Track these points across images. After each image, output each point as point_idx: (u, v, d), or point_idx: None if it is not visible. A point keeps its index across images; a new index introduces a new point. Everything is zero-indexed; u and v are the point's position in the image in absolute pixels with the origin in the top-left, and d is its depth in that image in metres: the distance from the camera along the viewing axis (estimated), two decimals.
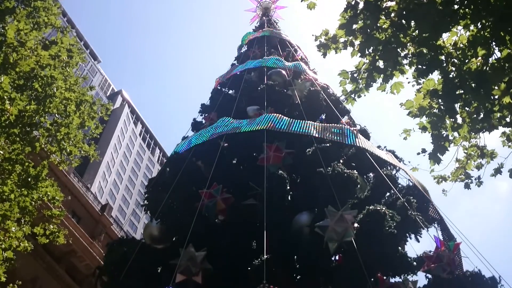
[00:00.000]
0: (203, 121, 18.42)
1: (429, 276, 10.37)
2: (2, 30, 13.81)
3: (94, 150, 15.91)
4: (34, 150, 14.26)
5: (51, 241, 16.27)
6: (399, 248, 10.48)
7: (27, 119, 13.71)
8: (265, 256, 8.54)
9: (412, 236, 10.03)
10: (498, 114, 7.81)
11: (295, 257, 12.01)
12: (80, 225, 28.03)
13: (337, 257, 11.76)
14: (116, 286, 9.15)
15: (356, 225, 9.66)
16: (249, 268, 9.20)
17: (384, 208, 9.73)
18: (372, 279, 9.03)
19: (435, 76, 7.98)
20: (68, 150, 15.19)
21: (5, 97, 12.47)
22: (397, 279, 10.80)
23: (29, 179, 13.80)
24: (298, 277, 11.47)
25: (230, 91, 19.87)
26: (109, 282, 10.46)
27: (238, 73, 20.04)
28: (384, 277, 9.72)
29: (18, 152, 13.73)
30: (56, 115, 15.20)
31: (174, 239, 12.68)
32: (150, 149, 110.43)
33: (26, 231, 15.45)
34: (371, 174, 13.47)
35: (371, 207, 9.73)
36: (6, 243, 13.25)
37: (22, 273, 21.20)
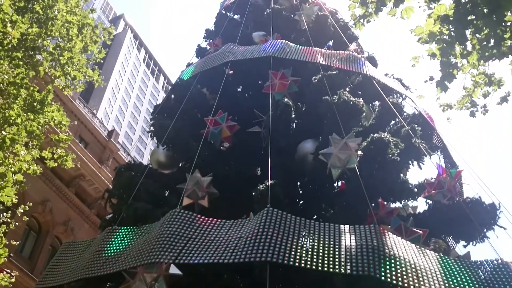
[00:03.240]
0: (208, 47, 18.11)
1: (430, 202, 10.64)
2: None
3: (98, 75, 15.80)
4: (38, 75, 14.17)
5: (59, 165, 16.61)
6: (401, 174, 10.65)
7: (29, 43, 13.50)
8: (269, 182, 8.72)
9: (415, 163, 10.14)
10: (509, 42, 7.60)
11: (299, 183, 12.27)
12: (87, 150, 28.43)
13: (339, 184, 12.03)
14: (125, 208, 9.45)
15: (359, 152, 9.76)
16: (253, 193, 9.42)
17: (388, 136, 9.77)
18: (373, 204, 9.25)
19: (447, 1, 7.71)
20: (72, 74, 15.08)
21: (6, 19, 12.21)
22: (398, 204, 11.11)
23: (35, 104, 13.81)
24: (301, 202, 11.78)
25: (236, 16, 19.35)
26: (118, 204, 10.80)
27: None
28: (385, 202, 9.96)
29: (23, 76, 13.65)
30: (59, 38, 14.96)
31: (180, 164, 12.92)
32: (155, 76, 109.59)
33: (34, 155, 15.74)
34: (377, 102, 13.41)
35: (375, 135, 9.77)
36: (16, 166, 13.52)
37: (32, 195, 21.87)
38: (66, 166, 16.76)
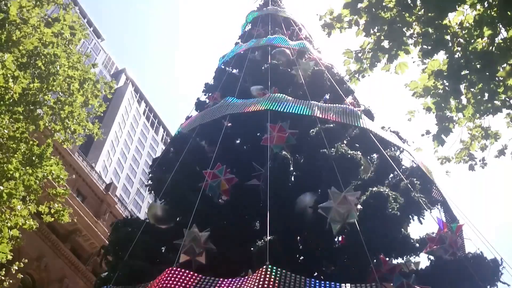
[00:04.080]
0: (207, 101, 18.36)
1: (432, 257, 10.43)
2: (5, 7, 13.68)
3: (98, 128, 15.89)
4: (38, 129, 14.25)
5: (56, 219, 16.41)
6: (402, 229, 10.50)
7: (30, 97, 13.67)
8: (268, 238, 8.58)
9: (415, 217, 10.03)
10: (503, 96, 7.71)
11: (298, 238, 12.09)
12: (84, 204, 28.22)
13: (340, 238, 11.84)
14: (121, 266, 9.23)
15: (359, 206, 9.67)
16: (252, 249, 9.25)
17: (387, 190, 9.72)
18: (375, 260, 9.07)
19: (441, 56, 7.87)
20: (72, 128, 15.17)
21: (9, 75, 12.41)
22: (400, 260, 10.88)
23: (34, 158, 13.81)
24: (301, 258, 11.55)
25: (234, 70, 19.74)
26: (113, 261, 10.56)
27: (242, 52, 19.87)
28: (387, 258, 9.77)
29: (22, 130, 13.72)
30: (60, 93, 15.15)
31: (178, 219, 12.77)
32: (154, 128, 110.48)
33: (31, 210, 15.56)
34: (375, 155, 13.44)
35: (374, 189, 9.72)
36: (12, 221, 13.34)
37: (28, 251, 21.49)
38: (62, 221, 16.54)
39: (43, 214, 16.09)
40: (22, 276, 17.32)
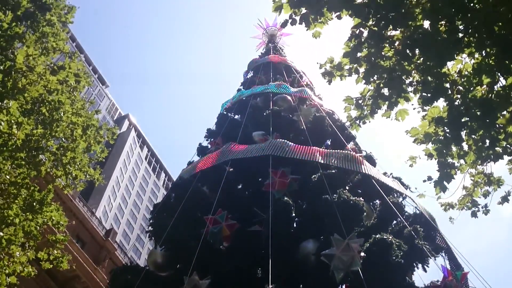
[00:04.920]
0: (209, 146, 18.46)
1: None
2: (12, 56, 13.98)
3: (99, 174, 15.90)
4: (39, 174, 14.26)
5: (54, 266, 16.15)
6: (406, 277, 10.31)
7: (33, 143, 13.75)
8: (270, 286, 8.42)
9: (419, 265, 9.88)
10: (504, 143, 7.75)
11: (301, 285, 11.86)
12: (84, 250, 27.85)
13: (344, 287, 11.60)
14: None
15: (362, 254, 9.54)
16: None
17: (390, 237, 9.62)
18: None
19: (441, 103, 7.95)
20: (74, 174, 15.19)
21: (13, 121, 12.54)
22: None
23: (34, 203, 13.75)
24: None
25: (236, 116, 19.97)
26: None
27: (244, 98, 20.17)
28: None
29: (24, 176, 13.73)
30: (63, 139, 15.26)
31: (178, 266, 12.57)
32: (156, 173, 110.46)
33: (30, 256, 15.35)
34: (377, 201, 13.37)
35: (377, 236, 9.63)
36: (10, 268, 13.14)
37: None
38: (61, 268, 16.28)
39: (42, 261, 15.87)
40: None
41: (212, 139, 18.89)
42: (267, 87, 20.00)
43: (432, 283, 10.31)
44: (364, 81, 8.41)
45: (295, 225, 12.51)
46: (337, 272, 9.50)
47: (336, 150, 14.00)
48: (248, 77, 24.93)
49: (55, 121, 14.50)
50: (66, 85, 15.54)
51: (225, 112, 20.59)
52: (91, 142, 15.57)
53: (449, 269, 10.98)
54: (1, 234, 12.75)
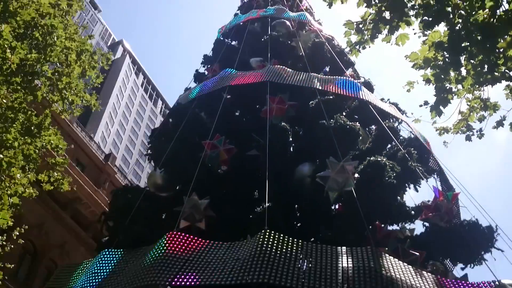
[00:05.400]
0: (206, 73, 18.31)
1: (427, 224, 10.66)
2: None
3: (95, 99, 15.95)
4: (36, 99, 14.30)
5: (56, 188, 16.63)
6: (398, 197, 10.68)
7: (28, 68, 13.67)
8: (266, 204, 8.74)
9: (412, 186, 10.19)
10: (503, 68, 7.77)
11: (296, 206, 12.28)
12: (84, 173, 28.40)
13: (337, 206, 12.03)
14: (121, 231, 9.41)
15: (356, 175, 9.82)
16: (250, 216, 9.42)
17: (384, 159, 9.85)
18: (370, 227, 9.26)
19: (441, 28, 7.90)
20: (70, 99, 15.25)
21: (6, 45, 12.38)
22: (395, 227, 11.11)
23: (32, 128, 13.91)
24: (298, 225, 11.76)
25: (233, 42, 19.62)
26: (114, 227, 10.74)
27: (241, 23, 19.71)
28: (382, 225, 9.97)
29: (21, 101, 13.77)
30: (57, 64, 15.17)
31: (177, 187, 12.92)
32: (152, 100, 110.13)
33: (31, 178, 15.74)
34: (373, 126, 13.53)
35: (371, 158, 9.85)
36: (12, 189, 13.53)
37: (28, 218, 21.73)
38: (62, 189, 16.78)
39: (43, 183, 16.33)
40: (23, 241, 17.61)
41: (209, 66, 18.69)
42: (265, 12, 19.48)
43: (423, 203, 10.72)
44: (365, 4, 8.27)
45: (292, 150, 12.71)
46: (331, 192, 9.82)
47: (334, 76, 13.95)
48: (245, 0, 24.19)
49: (49, 46, 14.34)
50: (58, 8, 15.22)
51: (222, 38, 20.18)
52: (85, 68, 15.52)
53: (441, 190, 11.38)
54: (1, 156, 12.98)
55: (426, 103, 8.76)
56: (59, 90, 15.04)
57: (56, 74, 14.96)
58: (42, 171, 16.44)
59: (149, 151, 13.38)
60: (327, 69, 16.66)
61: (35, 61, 13.82)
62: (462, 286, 7.15)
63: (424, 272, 7.47)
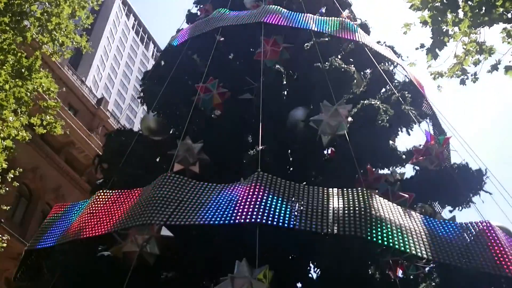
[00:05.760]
0: (198, 13, 17.85)
1: (417, 168, 10.82)
2: None
3: (86, 41, 15.62)
4: (25, 41, 13.99)
5: (49, 132, 16.61)
6: (390, 141, 10.76)
7: (16, 8, 13.29)
8: (259, 147, 8.79)
9: (404, 130, 10.25)
10: (501, 9, 7.62)
11: (289, 151, 12.36)
12: (77, 117, 28.26)
13: (329, 151, 12.14)
14: (115, 173, 9.47)
15: (350, 119, 9.83)
16: (243, 159, 9.49)
17: (378, 103, 9.83)
18: (362, 171, 9.39)
19: None
20: (60, 40, 14.92)
21: None
22: (386, 171, 11.27)
23: (23, 70, 13.70)
24: (291, 169, 11.88)
25: None
26: (108, 170, 10.81)
27: None
28: (373, 169, 10.10)
29: (10, 42, 13.47)
30: (46, 4, 14.74)
31: (171, 131, 12.91)
32: (144, 43, 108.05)
33: (23, 121, 15.68)
34: (368, 71, 13.41)
35: (365, 102, 9.83)
36: (5, 132, 13.50)
37: (22, 162, 21.82)
38: (55, 132, 16.77)
39: (35, 126, 16.29)
40: (18, 184, 17.79)
41: (201, 6, 18.20)
42: None
43: (414, 147, 10.83)
44: None
45: (286, 94, 12.64)
46: (324, 136, 9.86)
47: (330, 18, 13.64)
48: None
49: None
50: None
51: None
52: (75, 8, 15.08)
53: (432, 134, 11.47)
54: None
55: (422, 45, 8.63)
56: (49, 31, 14.70)
57: (45, 14, 14.56)
58: (35, 114, 16.40)
59: (141, 94, 13.24)
60: (323, 10, 16.29)
61: (23, 1, 13.43)
62: (449, 226, 7.34)
63: (412, 212, 7.65)
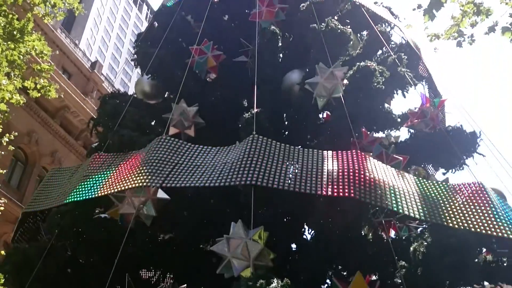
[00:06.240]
0: None
1: (412, 131, 10.84)
2: None
3: (78, 2, 15.29)
4: (16, 1, 13.66)
5: (43, 95, 16.47)
6: (385, 104, 10.73)
7: None
8: (255, 110, 8.75)
9: (399, 92, 10.20)
10: None
11: (285, 114, 12.34)
12: (71, 81, 27.95)
13: (324, 115, 12.13)
14: (110, 136, 9.43)
15: (345, 81, 9.76)
16: (239, 122, 9.47)
17: (374, 64, 9.74)
18: (357, 134, 9.39)
19: None
20: (52, 1, 14.60)
21: None
22: (381, 134, 11.30)
23: (15, 32, 13.44)
24: (286, 133, 11.88)
25: None
26: (103, 132, 10.77)
27: None
28: (368, 132, 10.11)
29: (0, 3, 13.17)
30: None
31: (166, 95, 12.82)
32: (137, 5, 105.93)
33: (17, 85, 15.52)
34: (365, 32, 13.23)
35: (361, 64, 9.73)
36: None
37: (17, 126, 21.73)
38: (49, 96, 16.62)
39: (29, 89, 16.14)
40: (14, 148, 17.75)
41: None
42: None
43: (409, 110, 10.82)
44: None
45: (281, 56, 12.50)
46: (320, 98, 9.82)
47: None
48: None
49: None
50: None
51: None
52: None
53: (428, 97, 11.45)
54: None
55: (419, 6, 8.50)
56: None
57: None
58: (28, 77, 16.25)
59: (135, 56, 13.05)
60: None
61: None
62: (442, 188, 7.41)
63: (406, 174, 7.70)
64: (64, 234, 7.85)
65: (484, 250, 8.17)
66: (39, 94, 16.34)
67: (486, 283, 8.30)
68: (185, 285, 10.16)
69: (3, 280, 13.38)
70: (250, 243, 6.82)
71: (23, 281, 7.57)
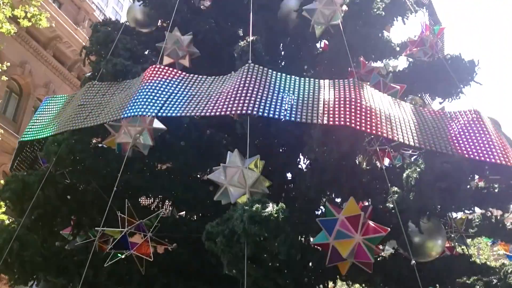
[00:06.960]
0: None
1: (410, 60, 10.70)
2: None
3: None
4: None
5: (34, 24, 16.11)
6: (385, 31, 10.49)
7: None
8: (250, 38, 8.54)
9: (399, 18, 9.93)
10: None
11: (281, 44, 12.09)
12: (61, 11, 27.18)
13: (322, 45, 11.90)
14: (103, 64, 9.25)
15: (344, 7, 9.48)
16: (235, 54, 9.28)
17: None
18: (354, 64, 9.25)
19: None
20: None
21: None
22: (379, 63, 11.14)
23: None
24: (282, 63, 11.71)
25: None
26: (96, 61, 10.57)
27: None
28: (366, 62, 9.97)
29: None
30: None
31: (159, 23, 12.46)
32: None
33: (6, 14, 15.14)
34: None
35: None
36: None
37: (9, 57, 21.37)
38: (40, 25, 16.29)
39: (20, 18, 15.75)
40: (7, 78, 17.57)
41: None
42: None
43: (409, 38, 10.63)
44: None
45: None
46: (318, 26, 9.59)
47: None
48: None
49: None
50: None
51: None
52: None
53: (428, 24, 11.19)
54: None
55: None
56: None
57: None
58: (18, 6, 15.88)
59: None
60: None
61: None
62: (438, 115, 7.42)
63: (402, 102, 7.68)
64: (62, 162, 7.91)
65: (477, 177, 8.33)
66: (30, 23, 15.99)
67: (476, 209, 8.53)
68: (184, 212, 10.45)
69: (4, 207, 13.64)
70: (246, 171, 6.92)
71: (23, 208, 7.72)
